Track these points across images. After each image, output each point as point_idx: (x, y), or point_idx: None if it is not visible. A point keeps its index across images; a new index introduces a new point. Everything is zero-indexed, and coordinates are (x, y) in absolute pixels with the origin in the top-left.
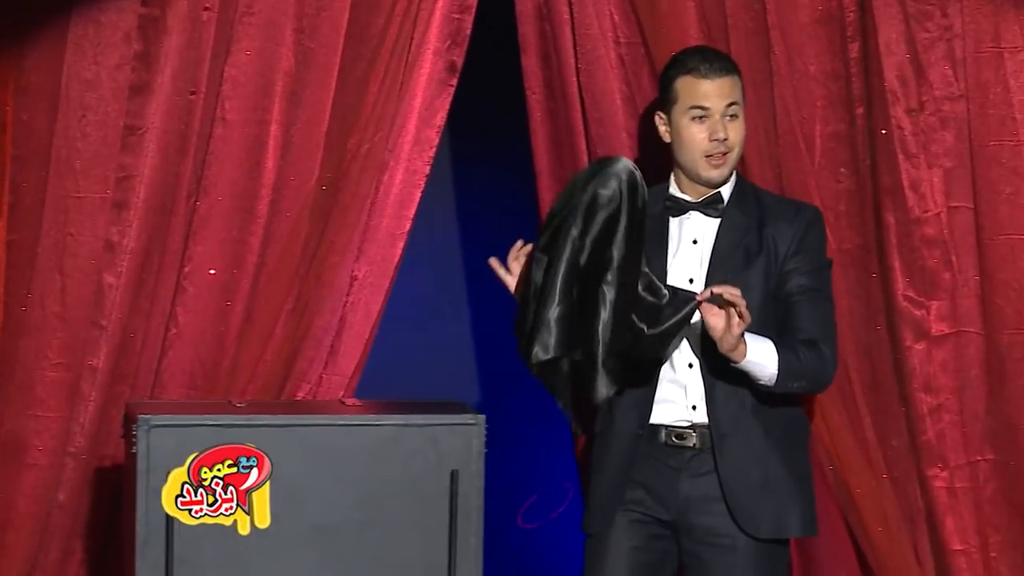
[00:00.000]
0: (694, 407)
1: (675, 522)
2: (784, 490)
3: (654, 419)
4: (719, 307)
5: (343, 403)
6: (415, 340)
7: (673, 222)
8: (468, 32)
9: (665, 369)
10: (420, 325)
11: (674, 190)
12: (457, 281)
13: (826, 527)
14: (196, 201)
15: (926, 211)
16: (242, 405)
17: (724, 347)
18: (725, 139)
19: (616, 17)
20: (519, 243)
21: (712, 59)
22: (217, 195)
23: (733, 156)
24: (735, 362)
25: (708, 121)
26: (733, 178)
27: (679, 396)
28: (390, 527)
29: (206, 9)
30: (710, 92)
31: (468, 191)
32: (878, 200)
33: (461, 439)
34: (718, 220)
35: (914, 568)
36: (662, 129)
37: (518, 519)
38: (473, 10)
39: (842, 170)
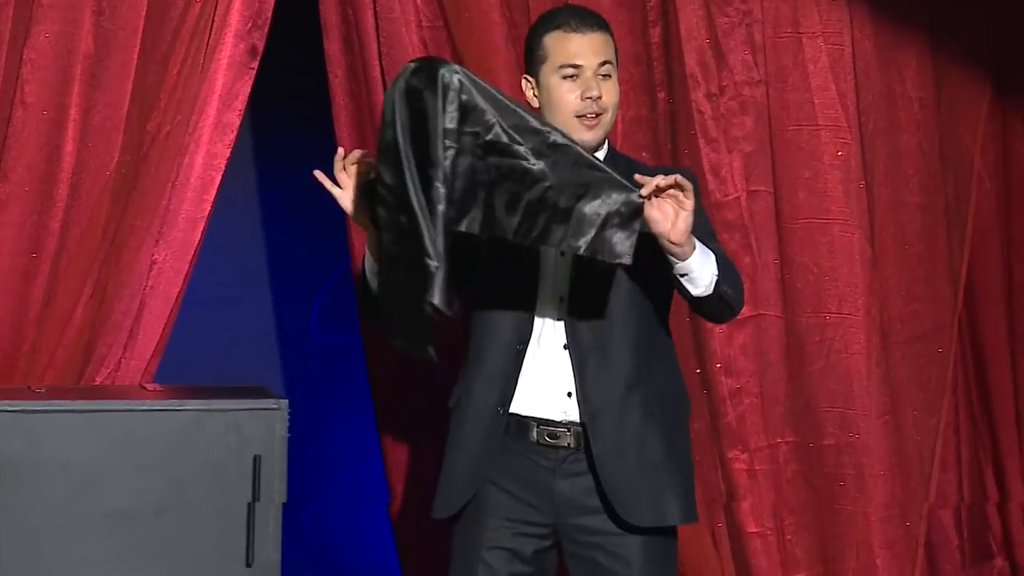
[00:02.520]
0: (569, 394)
1: (553, 525)
2: (663, 472)
3: (523, 410)
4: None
5: (144, 388)
6: (216, 324)
7: None
8: (269, 15)
9: (533, 351)
10: (221, 309)
11: None
12: (258, 265)
13: None
14: None
15: (726, 195)
16: (41, 390)
17: (679, 232)
18: (599, 97)
19: (418, 1)
20: (341, 152)
21: (583, 14)
22: (16, 179)
23: (607, 118)
24: (683, 259)
25: (580, 79)
26: (605, 146)
27: (550, 383)
28: (190, 512)
29: None
30: (582, 48)
31: (270, 175)
32: None
33: (264, 424)
34: None
35: (711, 552)
36: (529, 94)
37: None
38: None
39: (644, 154)
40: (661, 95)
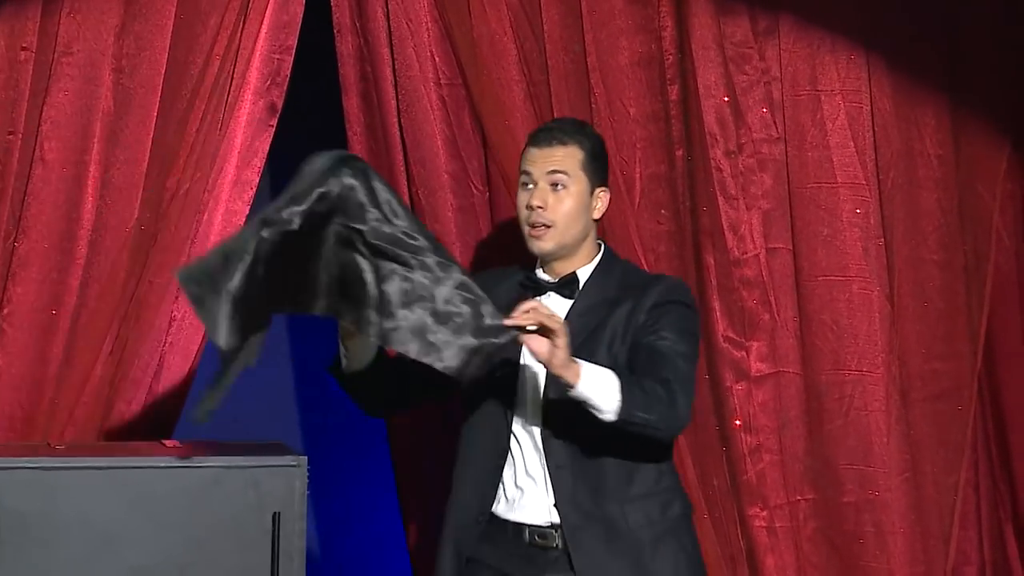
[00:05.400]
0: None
1: None
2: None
3: (517, 518)
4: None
5: (163, 444)
6: (235, 381)
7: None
8: (288, 73)
9: (518, 461)
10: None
11: (538, 269)
12: (277, 321)
13: None
14: (15, 242)
15: (745, 252)
16: (60, 447)
17: (556, 365)
18: (540, 207)
19: (437, 58)
20: None
21: (552, 127)
22: (36, 236)
23: (557, 231)
24: (572, 386)
25: (531, 190)
26: (598, 257)
27: (537, 492)
28: (211, 570)
29: (24, 48)
30: (536, 159)
31: None
32: (698, 241)
33: (283, 481)
34: (568, 303)
35: None
36: None
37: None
38: (293, 51)
39: (663, 212)
40: (679, 152)
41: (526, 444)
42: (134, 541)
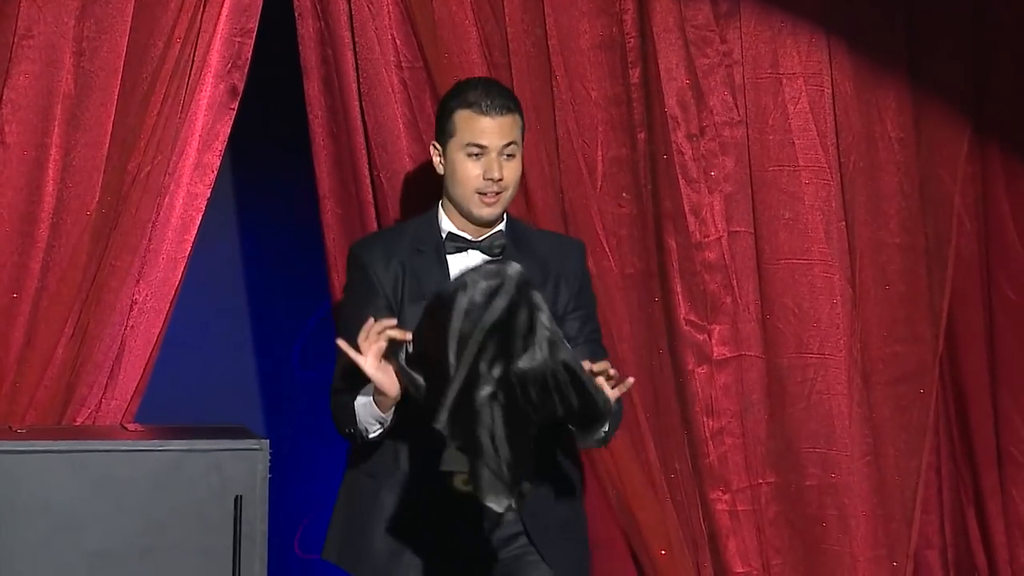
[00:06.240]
0: None
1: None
2: (580, 536)
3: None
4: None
5: (124, 428)
6: (196, 364)
7: (451, 259)
8: (249, 56)
9: None
10: (201, 349)
11: (447, 224)
12: (239, 305)
13: (610, 551)
14: None
15: (707, 236)
16: (22, 431)
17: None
18: (500, 179)
19: (398, 41)
20: (371, 322)
21: (494, 95)
22: None
23: (507, 196)
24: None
25: (484, 159)
26: (505, 216)
27: None
28: (173, 553)
29: None
30: (488, 129)
31: (250, 215)
32: (660, 224)
33: (245, 464)
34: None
35: None
36: (436, 160)
37: (295, 546)
38: (254, 34)
39: (624, 195)
40: (641, 136)
41: None
42: (96, 525)
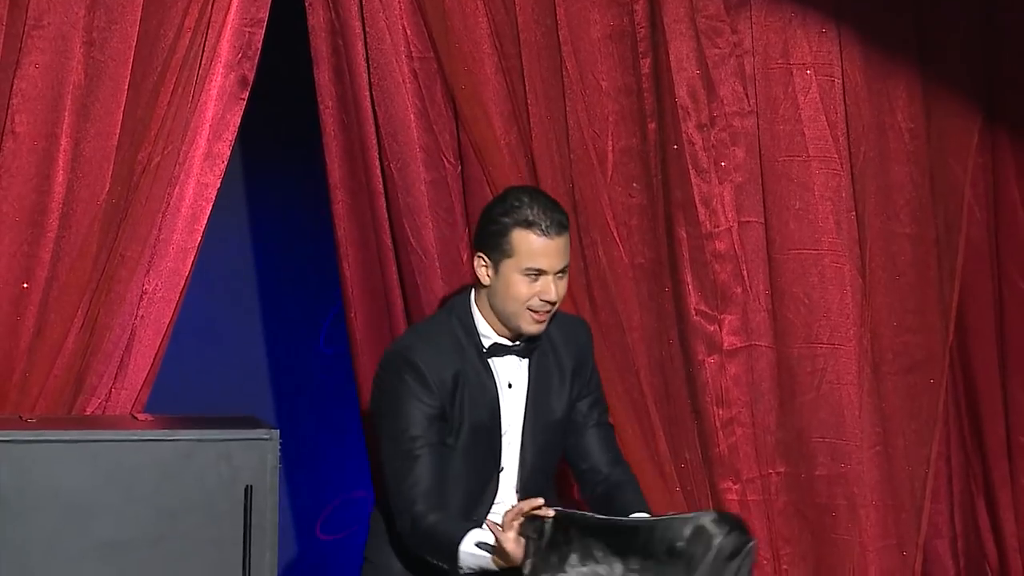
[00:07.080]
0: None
1: None
2: None
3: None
4: None
5: (135, 418)
6: (206, 354)
7: (492, 363)
8: (259, 46)
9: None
10: (211, 339)
11: (486, 329)
12: (249, 295)
13: None
14: None
15: (717, 226)
16: (32, 420)
17: None
18: (554, 302)
19: (409, 31)
20: (523, 506)
21: (551, 212)
22: (7, 209)
23: (553, 311)
24: None
25: (541, 280)
26: None
27: None
28: (184, 543)
29: None
30: (550, 253)
31: (261, 205)
32: (670, 215)
33: (255, 454)
34: (526, 362)
35: None
36: (483, 272)
37: (316, 529)
38: (264, 24)
39: (634, 185)
40: (652, 126)
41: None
42: (106, 514)
